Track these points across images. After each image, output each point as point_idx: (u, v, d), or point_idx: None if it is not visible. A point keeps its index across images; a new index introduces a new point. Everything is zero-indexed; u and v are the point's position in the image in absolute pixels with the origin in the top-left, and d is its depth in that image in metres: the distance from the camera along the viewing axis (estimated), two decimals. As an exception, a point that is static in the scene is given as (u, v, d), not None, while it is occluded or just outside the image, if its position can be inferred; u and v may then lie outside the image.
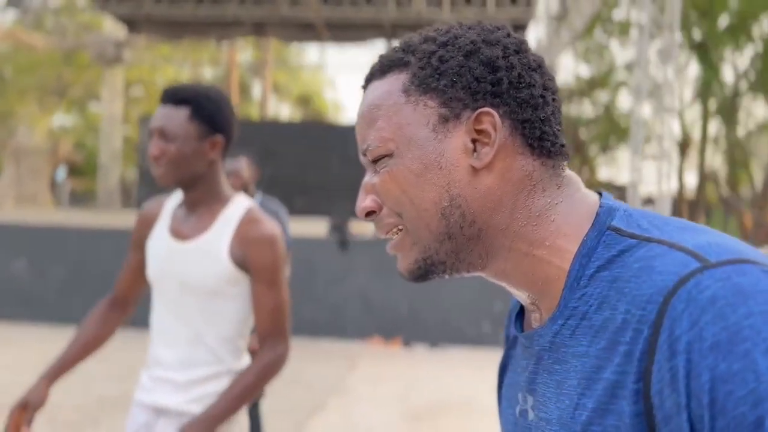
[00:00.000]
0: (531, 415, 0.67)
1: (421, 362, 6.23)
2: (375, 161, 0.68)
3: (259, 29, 15.64)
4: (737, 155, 20.14)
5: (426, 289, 6.86)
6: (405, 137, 0.65)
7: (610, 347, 0.57)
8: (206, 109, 1.59)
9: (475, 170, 0.64)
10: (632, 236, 0.60)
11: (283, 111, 28.68)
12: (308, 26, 15.22)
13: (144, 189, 16.43)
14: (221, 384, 1.61)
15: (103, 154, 16.56)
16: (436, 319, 6.87)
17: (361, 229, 8.08)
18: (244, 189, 3.40)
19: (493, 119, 0.64)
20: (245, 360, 1.68)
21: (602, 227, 0.63)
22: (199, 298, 1.60)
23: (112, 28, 16.03)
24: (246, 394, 1.54)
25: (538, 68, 0.66)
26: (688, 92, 20.36)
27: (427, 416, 4.67)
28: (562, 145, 0.67)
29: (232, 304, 1.61)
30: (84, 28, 16.69)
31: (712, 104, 19.99)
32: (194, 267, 1.60)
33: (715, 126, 20.78)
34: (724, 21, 18.46)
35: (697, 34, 18.64)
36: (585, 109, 22.59)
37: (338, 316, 7.01)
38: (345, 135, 17.15)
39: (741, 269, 0.52)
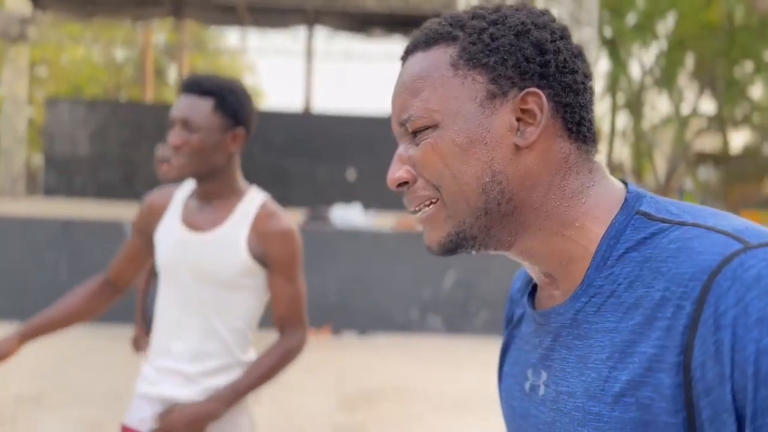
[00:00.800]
0: (542, 390, 0.68)
1: (351, 350, 6.25)
2: (415, 132, 0.67)
3: (177, 11, 15.08)
4: (642, 147, 21.29)
5: (354, 276, 6.88)
6: (451, 110, 0.66)
7: (647, 323, 0.59)
8: (230, 102, 1.58)
9: (517, 148, 0.65)
10: (663, 220, 0.63)
11: (201, 96, 27.79)
12: (229, 9, 14.83)
13: (51, 175, 15.57)
14: (231, 376, 1.60)
15: (5, 137, 15.54)
16: (365, 306, 6.90)
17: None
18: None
19: (540, 100, 0.65)
20: (252, 353, 1.67)
21: (631, 211, 0.65)
22: (213, 290, 1.59)
23: (15, 3, 15.01)
24: (268, 375, 1.57)
25: (580, 55, 0.68)
26: (598, 86, 21.30)
27: (362, 403, 4.70)
28: (595, 132, 0.69)
29: (245, 296, 1.61)
30: (-17, 3, 15.55)
31: (621, 98, 21.00)
32: (211, 258, 1.58)
33: (622, 119, 21.85)
34: (632, 19, 19.39)
35: (607, 31, 19.49)
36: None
37: (266, 305, 6.92)
38: (266, 120, 16.87)
39: None
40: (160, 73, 24.36)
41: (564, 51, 0.66)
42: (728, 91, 19.35)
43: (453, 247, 0.68)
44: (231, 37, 32.31)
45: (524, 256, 0.69)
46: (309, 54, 16.94)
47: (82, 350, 5.76)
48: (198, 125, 1.55)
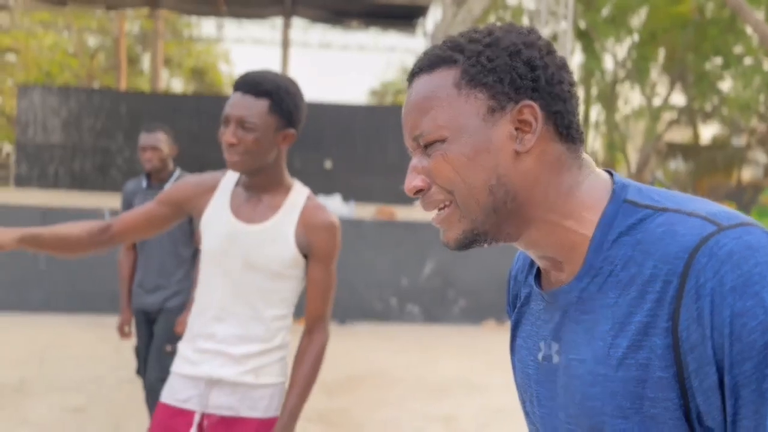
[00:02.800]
0: (556, 358, 0.78)
1: (331, 338, 6.31)
2: (427, 146, 0.77)
3: (153, 0, 14.87)
4: (615, 139, 21.62)
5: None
6: (458, 125, 0.75)
7: (640, 296, 0.69)
8: (286, 104, 1.63)
9: (517, 154, 0.75)
10: (647, 207, 0.73)
11: (175, 84, 27.47)
12: (205, -2, 14.66)
13: (24, 165, 15.30)
14: (272, 357, 1.71)
15: (-25, 126, 15.22)
16: (345, 296, 6.96)
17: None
18: (163, 165, 3.29)
19: (534, 111, 0.74)
20: (287, 337, 1.77)
21: (619, 200, 0.75)
22: (261, 278, 1.67)
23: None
24: (311, 384, 1.70)
25: (564, 66, 0.78)
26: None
27: (344, 389, 4.79)
28: (581, 132, 0.79)
29: (289, 284, 1.70)
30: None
31: (594, 91, 21.28)
32: (261, 249, 1.66)
33: (596, 111, 22.15)
34: (606, 12, 19.62)
35: (581, 24, 19.71)
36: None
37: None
38: (244, 111, 16.74)
39: (748, 230, 0.66)
40: (133, 62, 24.02)
41: (551, 65, 0.76)
42: (698, 84, 19.73)
43: (468, 242, 0.77)
44: (207, 25, 31.90)
45: (529, 246, 0.79)
46: (285, 44, 16.87)
47: (64, 338, 5.76)
48: (254, 125, 1.60)
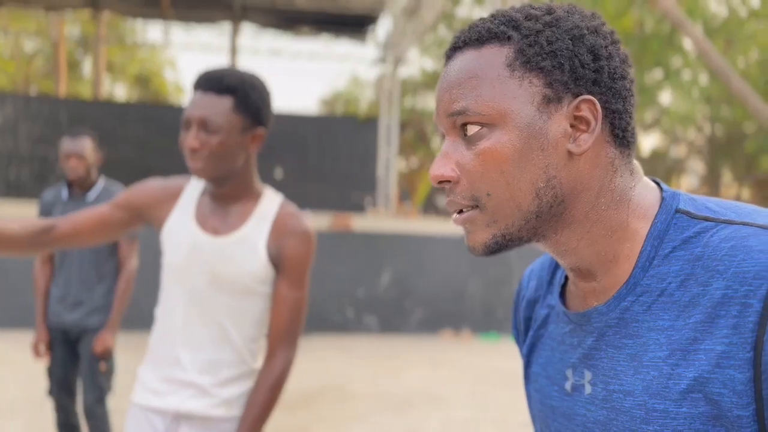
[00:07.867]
0: (588, 389, 0.68)
1: (287, 351, 6.15)
2: (466, 125, 0.66)
3: (94, 1, 14.40)
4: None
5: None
6: (508, 110, 0.64)
7: (709, 321, 0.59)
8: (251, 100, 1.46)
9: (570, 154, 0.65)
10: (706, 219, 0.64)
11: (118, 91, 26.67)
12: (151, 1, 14.28)
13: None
14: (245, 386, 1.54)
15: None
16: (300, 307, 6.81)
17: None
18: (87, 172, 3.05)
19: (594, 108, 0.65)
20: (261, 361, 1.58)
21: (670, 210, 0.66)
22: (229, 296, 1.50)
23: None
24: (270, 408, 1.51)
25: (627, 60, 0.68)
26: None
27: (303, 405, 4.62)
28: (635, 136, 0.69)
29: (260, 302, 1.53)
30: None
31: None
32: (229, 263, 1.49)
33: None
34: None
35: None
36: (430, 102, 23.48)
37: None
38: (191, 119, 16.34)
39: None
40: (73, 67, 23.22)
41: (616, 57, 0.67)
42: (639, 96, 20.38)
43: (498, 248, 0.68)
44: (152, 30, 31.21)
45: (565, 254, 0.69)
46: (234, 50, 16.58)
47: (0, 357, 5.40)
48: (218, 126, 1.44)
